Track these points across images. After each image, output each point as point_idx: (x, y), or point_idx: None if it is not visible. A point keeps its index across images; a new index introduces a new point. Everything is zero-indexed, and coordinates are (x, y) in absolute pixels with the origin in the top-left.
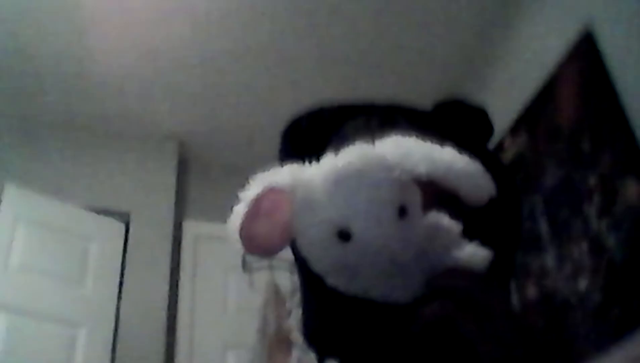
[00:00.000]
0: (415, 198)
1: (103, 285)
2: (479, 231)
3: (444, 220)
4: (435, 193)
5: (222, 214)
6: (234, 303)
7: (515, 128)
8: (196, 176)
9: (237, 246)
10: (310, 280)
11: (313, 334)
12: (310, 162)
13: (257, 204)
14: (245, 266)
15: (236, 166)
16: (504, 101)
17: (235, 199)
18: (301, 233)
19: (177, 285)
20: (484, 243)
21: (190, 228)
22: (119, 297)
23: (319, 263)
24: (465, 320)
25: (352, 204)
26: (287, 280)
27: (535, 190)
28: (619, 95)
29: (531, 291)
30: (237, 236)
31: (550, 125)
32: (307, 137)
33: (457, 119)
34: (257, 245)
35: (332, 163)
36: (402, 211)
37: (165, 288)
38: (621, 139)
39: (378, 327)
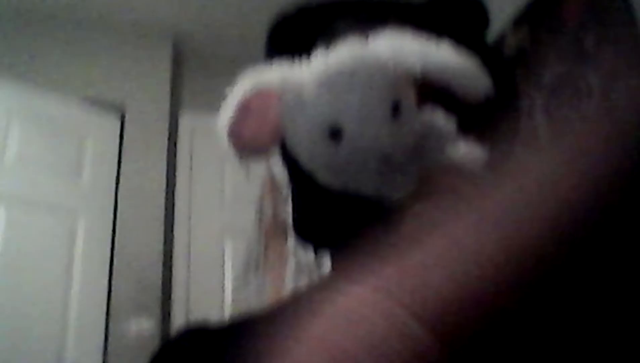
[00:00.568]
0: (409, 96)
1: (100, 176)
2: (474, 128)
3: (438, 118)
4: (430, 90)
5: (218, 105)
6: (230, 192)
7: (518, 22)
8: (191, 68)
9: (226, 146)
10: (299, 178)
11: (303, 229)
12: (298, 59)
13: (245, 104)
14: None
15: (231, 57)
16: None
17: (228, 93)
18: (291, 132)
19: (174, 176)
20: (479, 140)
21: (186, 119)
22: (117, 188)
23: (309, 162)
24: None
25: (344, 102)
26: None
27: (535, 86)
28: None
29: None
30: (225, 136)
31: (554, 20)
32: (296, 33)
33: (452, 10)
34: (245, 145)
35: (323, 59)
36: (395, 109)
37: (162, 178)
38: (626, 37)
39: (369, 224)
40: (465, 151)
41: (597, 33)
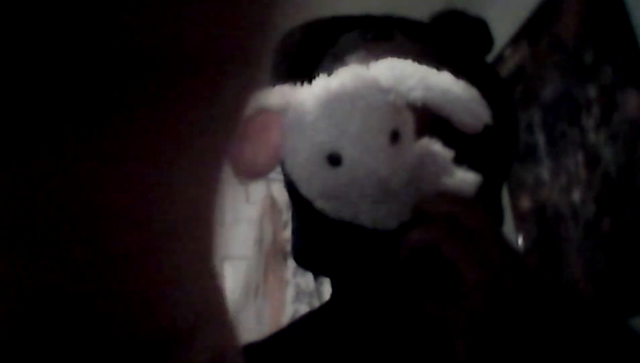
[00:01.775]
0: (408, 124)
1: None
2: (471, 155)
3: (436, 147)
4: (429, 118)
5: None
6: (230, 215)
7: (517, 39)
8: None
9: (225, 167)
10: (298, 203)
11: (302, 254)
12: (304, 78)
13: (245, 125)
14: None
15: None
16: (506, 12)
17: None
18: (290, 156)
19: None
20: (476, 166)
21: None
22: None
23: (307, 186)
24: (450, 245)
25: (344, 128)
26: (284, 191)
27: (534, 103)
28: (626, 5)
29: (525, 203)
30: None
31: (553, 36)
32: (302, 51)
33: (455, 31)
34: (245, 167)
35: (324, 84)
36: (394, 137)
37: None
38: (624, 51)
39: (365, 251)
40: (460, 177)
41: (596, 48)
